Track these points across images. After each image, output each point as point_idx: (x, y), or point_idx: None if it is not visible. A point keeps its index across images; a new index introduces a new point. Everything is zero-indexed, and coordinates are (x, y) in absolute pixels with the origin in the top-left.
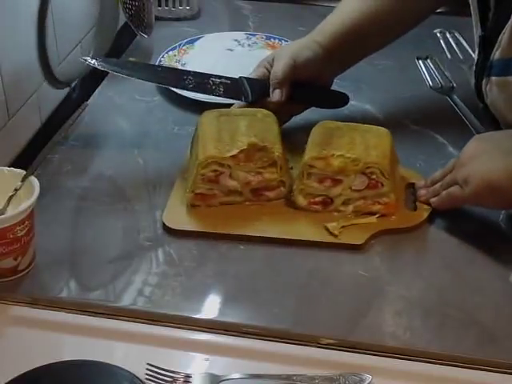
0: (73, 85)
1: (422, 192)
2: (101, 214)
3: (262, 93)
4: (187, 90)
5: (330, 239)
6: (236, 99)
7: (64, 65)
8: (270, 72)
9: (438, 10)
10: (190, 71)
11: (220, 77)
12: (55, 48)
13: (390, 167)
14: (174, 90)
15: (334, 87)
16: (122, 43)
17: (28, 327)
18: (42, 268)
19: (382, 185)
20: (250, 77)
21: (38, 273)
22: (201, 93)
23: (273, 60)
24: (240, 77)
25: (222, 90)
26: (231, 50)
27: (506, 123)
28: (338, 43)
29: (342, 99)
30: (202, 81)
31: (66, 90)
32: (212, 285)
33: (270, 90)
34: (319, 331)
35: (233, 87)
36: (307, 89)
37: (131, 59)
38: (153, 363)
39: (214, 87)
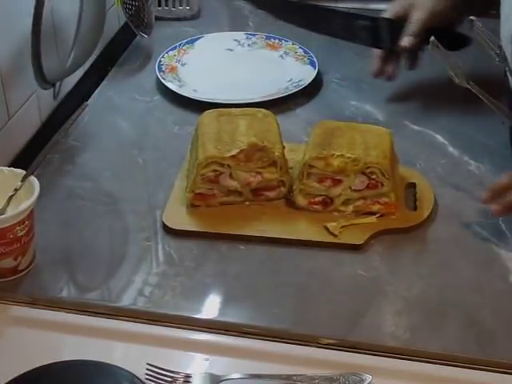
0: (57, 85)
1: (494, 208)
2: (101, 214)
3: (397, 38)
4: (334, 35)
5: (330, 239)
6: (374, 46)
7: (49, 65)
8: (405, 14)
9: None
10: (336, 11)
11: (363, 17)
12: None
13: (390, 167)
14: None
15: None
16: (122, 43)
17: (28, 327)
18: (42, 268)
19: (382, 185)
20: (389, 17)
21: (38, 273)
22: (347, 39)
23: (409, 5)
24: (380, 17)
25: (364, 35)
26: (231, 50)
27: None
28: None
29: (464, 41)
30: (348, 24)
31: (66, 90)
32: (212, 285)
33: (404, 34)
34: (319, 331)
35: (373, 32)
36: (434, 31)
37: None
38: (153, 363)
39: (358, 32)
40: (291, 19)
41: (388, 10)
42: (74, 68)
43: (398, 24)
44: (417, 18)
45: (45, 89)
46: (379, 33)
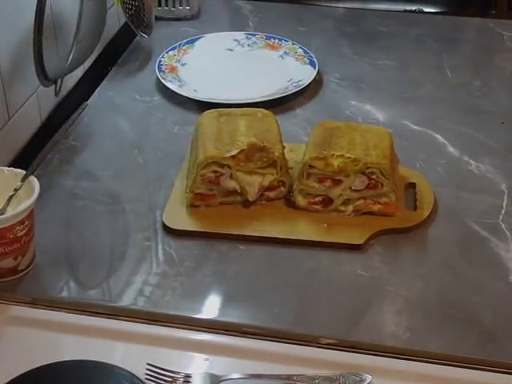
0: (58, 82)
1: None
2: (101, 214)
3: None
4: None
5: (330, 239)
6: None
7: (50, 62)
8: None
9: (438, 10)
10: None
11: None
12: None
13: (390, 167)
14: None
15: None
16: (122, 43)
17: (28, 327)
18: (42, 268)
19: (382, 185)
20: None
21: (38, 273)
22: None
23: None
24: None
25: None
26: (231, 50)
27: None
28: None
29: None
30: None
31: (66, 90)
32: (212, 285)
33: None
34: (319, 331)
35: None
36: None
37: None
38: (153, 363)
39: None
40: None
41: None
42: (75, 65)
43: None
44: None
45: (46, 86)
46: None
